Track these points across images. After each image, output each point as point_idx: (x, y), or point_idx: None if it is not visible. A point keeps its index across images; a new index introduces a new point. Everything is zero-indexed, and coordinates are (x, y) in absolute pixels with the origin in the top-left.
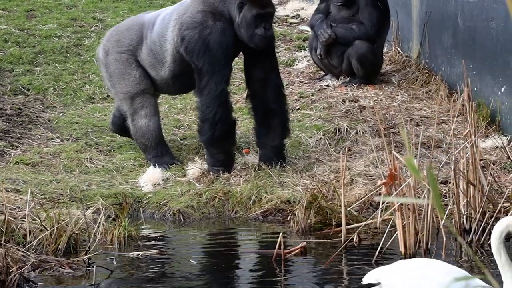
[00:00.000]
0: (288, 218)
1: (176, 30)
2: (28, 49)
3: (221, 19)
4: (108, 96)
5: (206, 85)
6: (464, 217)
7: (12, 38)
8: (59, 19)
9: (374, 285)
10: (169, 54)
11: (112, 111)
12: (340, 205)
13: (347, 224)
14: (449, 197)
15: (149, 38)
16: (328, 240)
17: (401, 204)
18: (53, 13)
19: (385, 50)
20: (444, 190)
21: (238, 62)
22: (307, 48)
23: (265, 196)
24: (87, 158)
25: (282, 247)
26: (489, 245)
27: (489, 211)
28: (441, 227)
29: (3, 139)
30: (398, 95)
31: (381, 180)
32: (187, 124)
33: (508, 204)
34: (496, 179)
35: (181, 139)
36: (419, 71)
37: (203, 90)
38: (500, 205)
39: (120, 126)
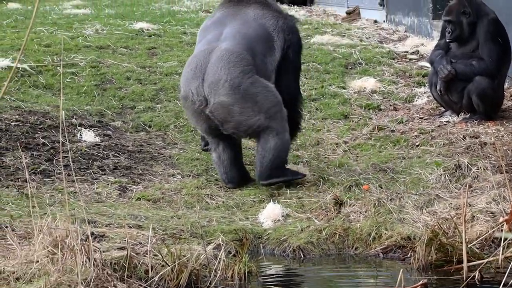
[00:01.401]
0: (409, 255)
1: (281, 36)
2: (149, 86)
3: None
4: None
5: (293, 82)
6: None
7: (134, 75)
8: (179, 57)
9: None
10: (276, 60)
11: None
12: (461, 242)
13: (468, 261)
14: None
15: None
16: (449, 277)
17: None
18: (174, 51)
19: (506, 85)
20: None
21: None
22: (426, 84)
23: (385, 233)
24: (208, 194)
25: (403, 284)
26: None
27: None
28: None
29: (125, 175)
30: None
31: (503, 217)
32: (306, 160)
33: None
34: None
35: None
36: None
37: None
38: None
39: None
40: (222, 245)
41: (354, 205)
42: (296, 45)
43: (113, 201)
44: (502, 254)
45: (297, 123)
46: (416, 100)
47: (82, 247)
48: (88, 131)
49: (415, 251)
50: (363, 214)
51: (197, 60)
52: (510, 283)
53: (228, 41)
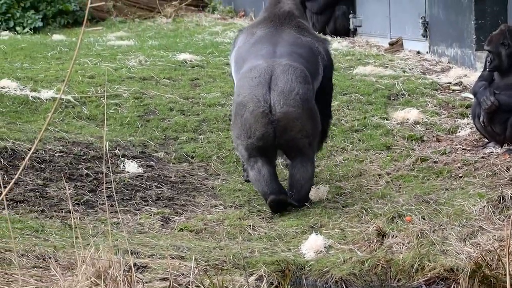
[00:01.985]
0: (452, 287)
1: (321, 59)
2: (192, 117)
3: None
4: None
5: (328, 106)
6: None
7: (177, 106)
8: (222, 88)
9: None
10: (318, 82)
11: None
12: (505, 274)
13: None
14: None
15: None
16: None
17: None
18: (217, 82)
19: None
20: None
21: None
22: (469, 116)
23: (428, 264)
24: (250, 225)
25: None
26: None
27: None
28: None
29: (168, 206)
30: None
31: None
32: (348, 191)
33: None
34: None
35: (343, 206)
36: None
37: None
38: None
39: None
40: (264, 276)
41: (396, 236)
42: (331, 68)
43: (156, 232)
44: None
45: (321, 143)
46: (459, 131)
47: (125, 278)
48: (131, 162)
49: (458, 283)
50: (406, 246)
51: (259, 70)
52: None
53: (286, 58)
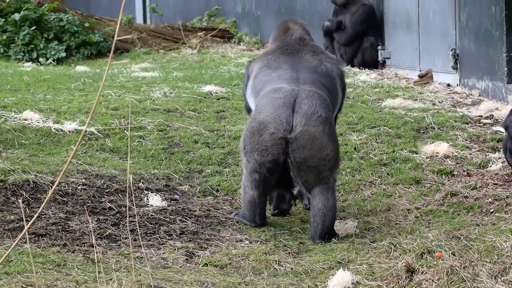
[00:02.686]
0: None
1: (339, 85)
2: (217, 150)
3: None
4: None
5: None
6: None
7: (201, 139)
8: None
9: None
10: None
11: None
12: None
13: None
14: None
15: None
16: None
17: None
18: (242, 114)
19: None
20: None
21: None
22: (501, 150)
23: None
24: (276, 260)
25: None
26: None
27: None
28: None
29: (192, 241)
30: None
31: None
32: (376, 227)
33: None
34: None
35: (371, 241)
36: None
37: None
38: None
39: None
40: None
41: (426, 272)
42: (345, 91)
43: (180, 267)
44: None
45: None
46: (490, 166)
47: None
48: (155, 195)
49: None
50: (436, 282)
51: (284, 92)
52: None
53: (310, 85)
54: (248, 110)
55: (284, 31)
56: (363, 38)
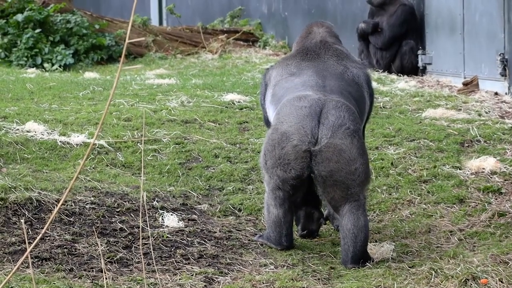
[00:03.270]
0: None
1: (367, 92)
2: (240, 165)
3: None
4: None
5: None
6: None
7: (223, 153)
8: None
9: None
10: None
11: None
12: None
13: None
14: None
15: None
16: None
17: None
18: None
19: None
20: None
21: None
22: None
23: None
24: (304, 287)
25: None
26: None
27: None
28: None
29: (212, 265)
30: None
31: None
32: (416, 250)
33: None
34: None
35: (409, 267)
36: None
37: None
38: None
39: None
40: None
41: None
42: (372, 98)
43: None
44: None
45: None
46: None
47: None
48: (171, 215)
49: None
50: None
51: (309, 100)
52: None
53: (337, 95)
54: (267, 122)
55: (306, 35)
56: (402, 41)
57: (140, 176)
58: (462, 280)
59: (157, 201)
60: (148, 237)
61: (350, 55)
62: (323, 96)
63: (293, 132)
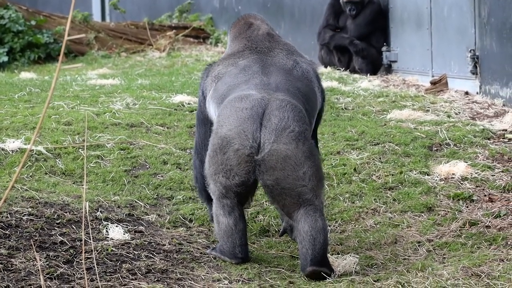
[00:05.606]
0: None
1: (318, 89)
2: (190, 172)
3: None
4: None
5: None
6: None
7: (172, 159)
8: None
9: None
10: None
11: None
12: None
13: None
14: None
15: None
16: None
17: None
18: None
19: None
20: None
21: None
22: None
23: None
24: None
25: None
26: None
27: None
28: None
29: (161, 280)
30: None
31: None
32: (381, 262)
33: None
34: None
35: (374, 280)
36: None
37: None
38: None
39: None
40: None
41: None
42: (324, 95)
43: None
44: None
45: None
46: None
47: None
48: (116, 226)
49: None
50: None
51: (251, 101)
52: None
53: (283, 93)
54: (201, 121)
55: (248, 27)
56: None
57: (82, 185)
58: None
59: (100, 211)
60: (91, 250)
61: (298, 51)
62: (267, 95)
63: (233, 136)
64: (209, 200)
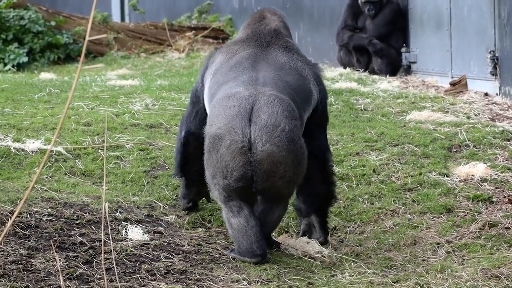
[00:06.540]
0: None
1: (314, 87)
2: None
3: None
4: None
5: (325, 140)
6: None
7: None
8: None
9: None
10: (309, 114)
11: None
12: None
13: None
14: None
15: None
16: None
17: None
18: None
19: None
20: None
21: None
22: None
23: None
24: None
25: None
26: None
27: None
28: None
29: (180, 281)
30: None
31: None
32: (400, 264)
33: None
34: None
35: (393, 282)
36: None
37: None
38: None
39: None
40: None
41: None
42: (326, 97)
43: None
44: None
45: (333, 185)
46: None
47: None
48: (135, 227)
49: None
50: None
51: (238, 99)
52: None
53: (271, 87)
54: (193, 101)
55: (259, 19)
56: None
57: (102, 186)
58: None
59: (120, 212)
60: (111, 251)
61: (300, 51)
62: (254, 91)
63: (224, 134)
64: (181, 169)
